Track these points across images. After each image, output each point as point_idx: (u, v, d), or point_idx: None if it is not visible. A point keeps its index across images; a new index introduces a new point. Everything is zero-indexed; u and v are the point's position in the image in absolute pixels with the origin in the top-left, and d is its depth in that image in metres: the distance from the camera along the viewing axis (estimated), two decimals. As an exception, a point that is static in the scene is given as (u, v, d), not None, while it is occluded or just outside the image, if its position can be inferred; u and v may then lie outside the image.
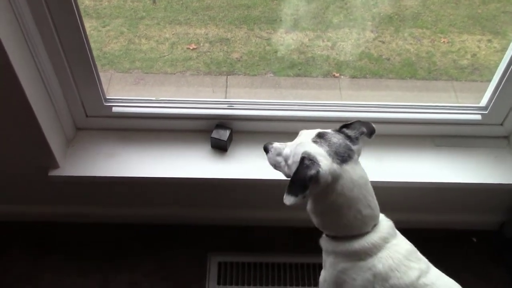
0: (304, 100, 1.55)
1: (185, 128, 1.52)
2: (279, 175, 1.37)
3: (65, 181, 1.49)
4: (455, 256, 1.67)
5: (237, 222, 1.73)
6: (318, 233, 1.63)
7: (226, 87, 2.04)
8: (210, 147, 1.49)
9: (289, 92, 2.08)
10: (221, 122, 1.50)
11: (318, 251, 1.55)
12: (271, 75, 2.09)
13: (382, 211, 1.63)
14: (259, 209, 1.71)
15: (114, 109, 1.49)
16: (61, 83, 1.39)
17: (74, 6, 1.23)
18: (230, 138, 1.50)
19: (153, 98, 1.51)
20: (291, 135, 1.42)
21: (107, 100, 1.49)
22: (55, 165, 1.45)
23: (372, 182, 1.37)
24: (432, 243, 1.59)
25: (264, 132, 1.53)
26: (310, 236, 1.56)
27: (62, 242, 1.70)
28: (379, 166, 1.48)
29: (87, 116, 1.50)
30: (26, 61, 1.24)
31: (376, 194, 1.55)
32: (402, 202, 1.64)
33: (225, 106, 1.51)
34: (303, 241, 1.66)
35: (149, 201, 1.68)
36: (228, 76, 2.06)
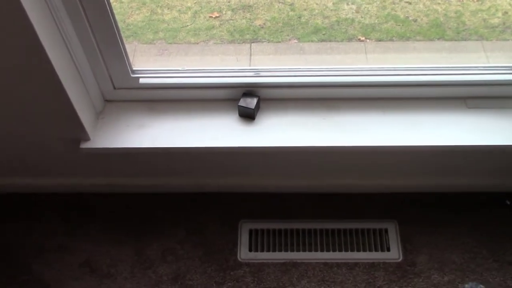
0: (330, 66, 1.52)
1: (212, 98, 1.51)
2: (307, 142, 1.36)
3: (96, 153, 1.50)
4: (491, 219, 1.66)
5: (266, 189, 1.73)
6: (346, 199, 1.71)
7: (250, 55, 2.03)
8: (237, 115, 1.48)
9: (314, 58, 2.05)
10: (248, 90, 1.48)
11: (346, 217, 1.64)
12: (295, 41, 2.07)
13: (415, 175, 1.68)
14: (288, 176, 1.70)
15: (141, 81, 1.47)
16: (88, 56, 1.37)
17: None
18: (257, 106, 1.48)
19: (179, 68, 1.49)
20: (318, 102, 1.46)
21: (134, 71, 1.47)
22: (86, 138, 1.45)
23: (405, 147, 1.41)
24: (466, 206, 1.68)
25: (291, 99, 1.51)
26: (339, 202, 1.68)
27: (95, 212, 1.73)
28: (411, 130, 1.46)
29: (115, 88, 1.49)
30: (52, 35, 1.24)
31: (408, 158, 1.62)
32: (435, 166, 1.62)
33: (251, 74, 1.48)
34: (331, 207, 1.70)
35: (179, 170, 1.68)
36: (252, 44, 2.05)
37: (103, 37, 1.32)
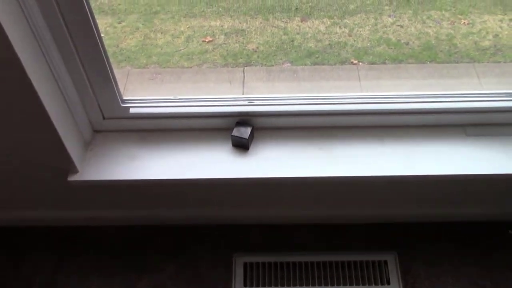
0: (326, 94, 1.43)
1: (205, 127, 1.43)
2: (303, 173, 1.29)
3: (85, 186, 1.39)
4: (493, 249, 1.57)
5: (261, 221, 1.64)
6: (344, 230, 1.62)
7: (244, 79, 1.99)
8: (231, 145, 1.40)
9: (307, 81, 1.99)
10: (242, 119, 1.40)
11: (344, 248, 1.55)
12: (289, 64, 2.04)
13: (414, 205, 1.60)
14: (284, 208, 1.62)
15: (132, 110, 1.39)
16: (76, 85, 1.30)
17: (85, 4, 1.14)
18: (251, 135, 1.40)
19: (171, 97, 1.43)
20: (314, 130, 1.38)
21: (124, 101, 1.40)
22: (74, 170, 1.36)
23: (403, 177, 1.31)
24: (468, 236, 1.59)
25: (286, 127, 1.43)
26: (337, 234, 1.58)
27: (84, 246, 1.63)
28: (410, 159, 1.36)
29: (104, 118, 1.41)
30: (38, 63, 1.16)
31: (408, 188, 1.53)
32: (435, 195, 1.54)
33: (245, 102, 1.40)
34: (329, 239, 1.60)
35: (171, 202, 1.60)
36: (245, 68, 2.00)
37: (92, 66, 1.26)
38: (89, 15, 1.16)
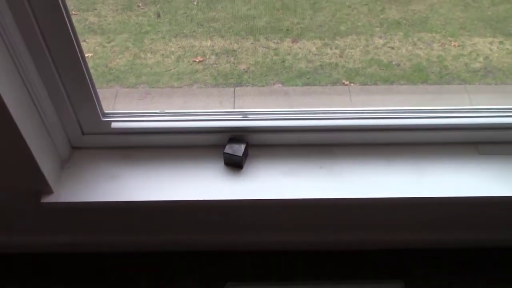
0: (325, 108, 1.29)
1: (194, 144, 1.28)
2: (302, 194, 1.15)
3: (60, 208, 1.24)
4: (506, 277, 1.38)
5: (256, 247, 1.46)
6: (347, 257, 1.44)
7: (234, 99, 1.93)
8: (223, 164, 1.24)
9: (298, 102, 1.89)
10: (235, 135, 1.25)
11: (345, 277, 1.39)
12: (280, 85, 1.99)
13: (422, 229, 1.40)
14: (280, 232, 1.44)
15: (114, 125, 1.22)
16: (52, 97, 1.14)
17: (63, 8, 0.99)
18: (245, 153, 1.24)
19: (157, 111, 1.27)
20: (314, 148, 1.26)
21: (105, 115, 1.24)
22: (48, 190, 1.19)
23: (412, 199, 1.11)
24: (478, 263, 1.41)
25: (283, 145, 1.29)
26: (339, 261, 1.40)
27: (60, 275, 1.43)
28: (418, 180, 1.18)
29: (83, 133, 1.24)
30: (6, 69, 0.99)
31: (415, 211, 1.31)
32: (444, 218, 1.35)
33: (239, 116, 1.26)
34: (330, 266, 1.41)
35: (157, 227, 1.41)
36: (236, 88, 1.94)
37: (69, 76, 1.11)
38: (65, 17, 1.00)
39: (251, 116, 1.26)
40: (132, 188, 1.22)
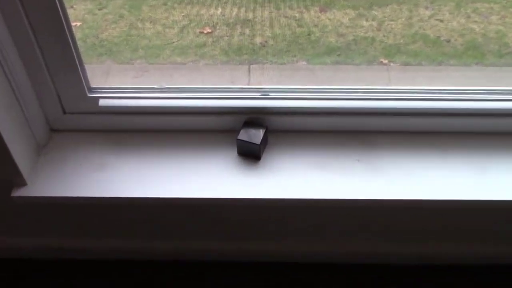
0: (366, 86, 1.30)
1: (200, 128, 1.27)
2: (334, 194, 1.14)
3: (35, 204, 1.24)
4: None
5: (275, 258, 1.45)
6: (380, 271, 1.42)
7: (249, 78, 1.85)
8: (236, 153, 1.23)
9: (326, 83, 1.84)
10: (251, 118, 1.23)
11: None
12: (304, 63, 1.88)
13: (475, 240, 1.35)
14: (303, 241, 1.42)
15: (102, 102, 1.20)
16: (27, 66, 1.11)
17: None
18: (264, 140, 1.22)
19: (155, 86, 1.27)
20: (349, 136, 1.26)
21: (91, 90, 1.21)
22: (21, 182, 1.16)
23: (472, 202, 1.08)
24: None
25: (312, 131, 1.26)
26: (371, 276, 1.39)
27: (37, 285, 1.43)
28: (481, 178, 1.13)
29: (65, 112, 1.22)
30: None
31: (476, 219, 1.25)
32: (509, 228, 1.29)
33: (257, 94, 1.25)
34: (362, 282, 1.39)
35: (154, 230, 1.41)
36: (251, 65, 1.87)
37: (48, 39, 1.07)
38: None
39: (272, 94, 1.24)
40: (124, 181, 1.19)
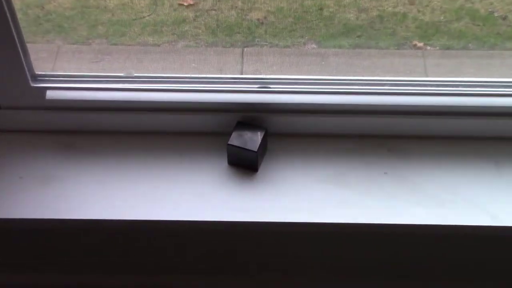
0: (384, 77, 1.36)
1: (178, 130, 1.31)
2: (354, 218, 1.20)
3: None
4: None
5: None
6: None
7: (242, 65, 1.87)
8: (226, 163, 1.27)
9: (342, 73, 1.88)
10: (247, 117, 1.27)
11: None
12: (314, 46, 1.91)
13: None
14: (311, 277, 1.45)
15: (50, 94, 1.24)
16: None
17: None
18: (263, 146, 1.25)
19: (121, 74, 1.32)
20: (373, 142, 1.31)
21: (36, 78, 1.25)
22: None
23: None
24: None
25: (323, 134, 1.31)
26: None
27: None
28: None
29: (0, 107, 1.25)
30: None
31: None
32: None
33: (254, 86, 1.29)
34: None
35: (119, 262, 1.44)
36: (245, 49, 1.84)
37: None
38: None
39: (273, 87, 1.28)
40: (78, 198, 1.21)
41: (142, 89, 1.27)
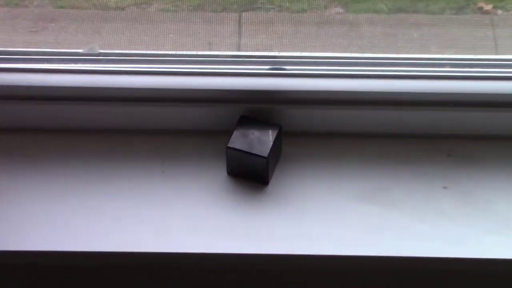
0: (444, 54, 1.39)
1: (159, 126, 1.35)
2: (399, 248, 1.21)
3: None
4: None
5: None
6: None
7: (239, 37, 1.85)
8: (225, 173, 1.28)
9: (379, 48, 1.86)
10: (254, 109, 1.29)
11: None
12: (340, 10, 1.92)
13: None
14: None
15: None
16: None
17: None
18: (275, 150, 1.26)
19: (80, 51, 1.35)
20: (425, 143, 1.33)
21: None
22: None
23: None
24: None
25: (356, 134, 1.33)
26: None
27: None
28: None
29: None
30: None
31: None
32: None
33: (262, 67, 1.32)
34: None
35: None
36: (244, 14, 1.87)
37: None
38: None
39: (288, 67, 1.30)
40: (21, 222, 1.23)
41: (111, 70, 1.29)
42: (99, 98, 1.29)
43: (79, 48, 1.34)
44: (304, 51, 1.38)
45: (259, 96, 1.29)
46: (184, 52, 1.37)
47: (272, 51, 1.40)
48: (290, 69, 1.30)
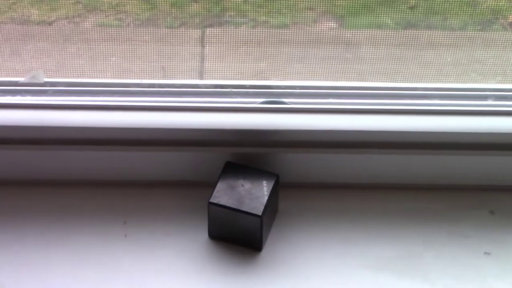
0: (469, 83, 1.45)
1: (124, 177, 1.38)
2: None
3: None
4: None
5: None
6: None
7: (202, 60, 1.89)
8: (206, 236, 1.31)
9: (386, 75, 1.92)
10: (242, 154, 1.33)
11: None
12: (333, 24, 1.95)
13: None
14: None
15: None
16: None
17: None
18: (271, 207, 1.28)
19: (21, 79, 1.38)
20: (456, 196, 1.36)
21: None
22: None
23: None
24: None
25: (375, 185, 1.37)
26: None
27: None
28: None
29: None
30: None
31: None
32: None
33: (257, 98, 1.36)
34: None
35: None
36: (208, 30, 1.94)
37: None
38: None
39: (290, 99, 1.33)
40: None
41: (58, 105, 1.30)
42: (47, 141, 1.30)
43: (19, 77, 1.34)
44: (287, 79, 1.41)
45: (249, 139, 1.31)
46: (155, 82, 1.43)
47: (244, 80, 1.43)
48: (291, 100, 1.33)
